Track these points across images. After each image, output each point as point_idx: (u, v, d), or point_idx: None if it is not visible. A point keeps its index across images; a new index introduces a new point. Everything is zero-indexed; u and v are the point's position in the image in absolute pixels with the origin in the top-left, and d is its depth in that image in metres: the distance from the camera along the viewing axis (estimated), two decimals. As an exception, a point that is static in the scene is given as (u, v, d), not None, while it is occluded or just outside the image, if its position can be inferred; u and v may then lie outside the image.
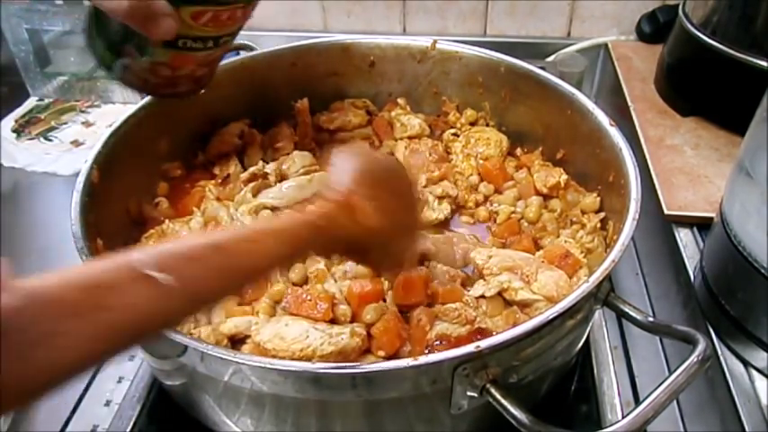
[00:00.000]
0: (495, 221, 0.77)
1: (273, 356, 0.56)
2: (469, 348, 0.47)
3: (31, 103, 1.26)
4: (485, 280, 0.64)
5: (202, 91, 0.75)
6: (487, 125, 0.91)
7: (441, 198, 0.78)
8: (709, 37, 0.89)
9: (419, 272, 0.64)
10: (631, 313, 0.56)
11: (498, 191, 0.81)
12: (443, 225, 0.77)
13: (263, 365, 0.47)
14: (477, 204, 0.79)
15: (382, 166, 0.55)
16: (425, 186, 0.80)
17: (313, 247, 0.45)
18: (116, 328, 0.26)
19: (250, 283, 0.42)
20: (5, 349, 0.21)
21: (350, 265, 0.67)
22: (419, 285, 0.63)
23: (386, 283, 0.64)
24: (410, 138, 0.89)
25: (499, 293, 0.63)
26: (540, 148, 0.85)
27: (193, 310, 0.34)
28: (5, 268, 0.22)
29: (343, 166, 0.50)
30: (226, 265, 0.34)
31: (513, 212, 0.77)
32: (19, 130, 1.18)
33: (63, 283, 0.25)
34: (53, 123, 1.20)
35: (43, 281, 0.24)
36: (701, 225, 0.77)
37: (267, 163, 0.83)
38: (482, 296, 0.63)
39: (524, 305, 0.62)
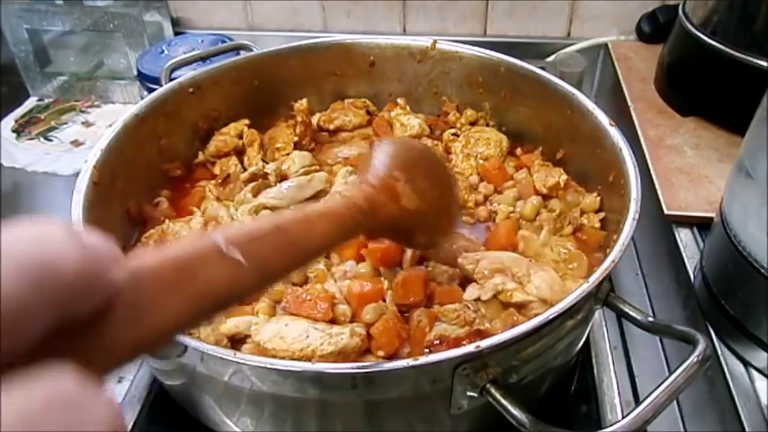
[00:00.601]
0: (494, 221, 0.77)
1: (273, 356, 0.56)
2: (469, 348, 0.47)
3: (31, 103, 1.26)
4: (478, 283, 0.64)
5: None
6: (487, 125, 0.91)
7: (441, 198, 0.78)
8: (709, 37, 0.89)
9: (419, 271, 0.64)
10: (631, 313, 0.56)
11: (498, 191, 0.81)
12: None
13: (263, 365, 0.47)
14: (477, 204, 0.79)
15: (416, 152, 0.58)
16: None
17: (360, 229, 0.48)
18: (201, 299, 0.30)
19: (309, 261, 0.46)
20: (122, 314, 0.26)
21: (350, 265, 0.67)
22: (418, 285, 0.63)
23: (385, 282, 0.64)
24: (410, 138, 0.88)
25: (495, 296, 0.63)
26: (540, 148, 0.85)
27: (262, 284, 0.37)
28: (115, 249, 0.25)
29: (380, 155, 0.54)
30: (285, 244, 0.38)
31: (511, 212, 0.77)
32: (19, 130, 1.18)
33: (161, 261, 0.29)
34: (53, 123, 1.20)
35: (144, 260, 0.29)
36: (701, 225, 0.77)
37: (267, 163, 0.83)
38: (479, 298, 0.63)
39: (520, 306, 0.62)
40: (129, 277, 0.26)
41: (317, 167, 0.83)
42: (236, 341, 0.61)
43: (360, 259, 0.67)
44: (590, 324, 0.66)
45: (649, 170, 0.84)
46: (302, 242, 0.39)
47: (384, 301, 0.63)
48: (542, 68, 0.83)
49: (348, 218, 0.45)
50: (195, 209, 0.77)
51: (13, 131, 1.17)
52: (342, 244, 0.49)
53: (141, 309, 0.27)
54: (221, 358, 0.48)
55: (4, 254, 0.20)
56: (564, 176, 0.78)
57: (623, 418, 0.46)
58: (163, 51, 1.10)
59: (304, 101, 0.88)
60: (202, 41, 1.13)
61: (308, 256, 0.42)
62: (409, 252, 0.66)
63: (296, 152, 0.84)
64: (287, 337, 0.57)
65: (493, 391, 0.48)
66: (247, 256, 0.33)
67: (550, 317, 0.49)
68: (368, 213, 0.47)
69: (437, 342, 0.60)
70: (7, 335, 0.19)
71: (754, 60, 0.83)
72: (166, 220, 0.74)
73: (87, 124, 1.20)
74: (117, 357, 0.25)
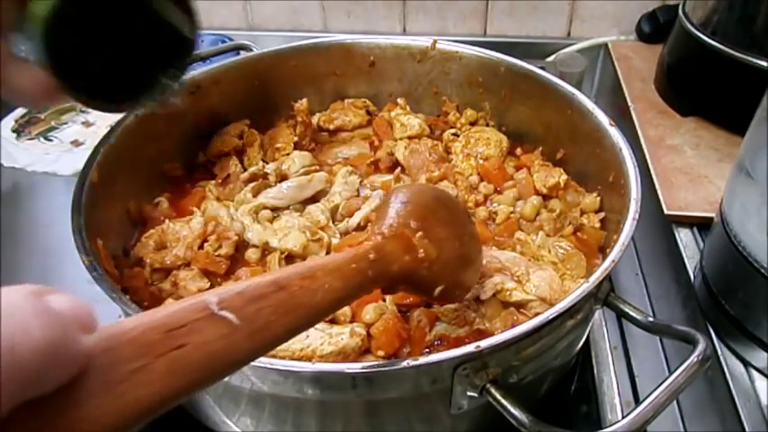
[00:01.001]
0: (494, 221, 0.77)
1: (273, 356, 0.56)
2: (469, 348, 0.46)
3: (31, 103, 1.26)
4: (477, 283, 0.64)
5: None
6: (487, 125, 0.91)
7: (441, 198, 0.78)
8: (709, 37, 0.89)
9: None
10: (631, 313, 0.56)
11: (498, 191, 0.81)
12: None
13: (263, 365, 0.47)
14: (477, 204, 0.79)
15: (433, 199, 0.55)
16: (425, 186, 0.80)
17: (370, 283, 0.44)
18: (189, 365, 0.27)
19: (316, 321, 0.39)
20: (95, 385, 0.23)
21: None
22: (419, 285, 0.63)
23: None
24: (410, 138, 0.89)
25: (494, 295, 0.63)
26: (540, 148, 0.85)
27: (260, 347, 0.33)
28: (86, 312, 0.24)
29: (394, 203, 0.50)
30: (287, 303, 0.34)
31: (512, 212, 0.77)
32: (19, 130, 1.18)
33: (143, 325, 0.27)
34: (53, 123, 1.20)
35: (124, 323, 0.26)
36: (701, 225, 0.77)
37: (267, 163, 0.83)
38: (478, 298, 0.63)
39: (520, 305, 0.62)
40: (102, 342, 0.24)
41: (317, 167, 0.83)
42: (236, 341, 0.61)
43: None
44: (590, 324, 0.66)
45: (649, 170, 0.84)
46: (306, 301, 0.36)
47: (384, 300, 0.63)
48: (542, 68, 0.83)
49: (355, 272, 0.41)
50: (195, 209, 0.77)
51: (13, 131, 1.17)
52: (353, 300, 0.43)
53: (116, 375, 0.24)
54: (221, 358, 0.48)
55: None
56: (564, 176, 0.78)
57: (623, 418, 0.46)
58: (163, 51, 1.10)
59: (304, 101, 0.88)
60: (202, 41, 1.13)
61: (312, 315, 0.37)
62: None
63: (296, 152, 0.84)
64: (287, 337, 0.57)
65: (493, 391, 0.48)
66: (242, 317, 0.30)
67: (550, 317, 0.49)
68: (378, 266, 0.43)
69: (437, 342, 0.60)
70: None
71: (754, 60, 0.83)
72: (166, 220, 0.74)
73: (87, 124, 1.20)
74: None
